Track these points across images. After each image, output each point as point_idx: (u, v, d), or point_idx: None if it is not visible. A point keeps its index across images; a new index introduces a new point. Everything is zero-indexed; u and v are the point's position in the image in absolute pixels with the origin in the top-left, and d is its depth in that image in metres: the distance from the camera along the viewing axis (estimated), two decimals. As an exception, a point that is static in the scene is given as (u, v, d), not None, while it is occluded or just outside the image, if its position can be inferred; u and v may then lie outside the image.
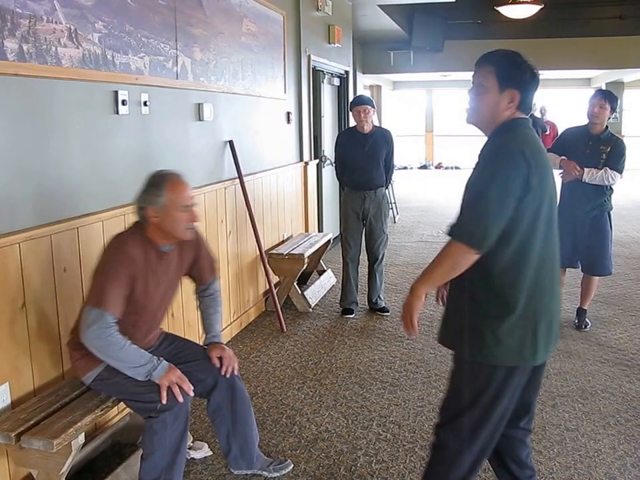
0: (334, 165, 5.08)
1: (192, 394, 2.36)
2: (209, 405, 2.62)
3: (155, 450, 2.33)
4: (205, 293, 2.73)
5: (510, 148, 1.84)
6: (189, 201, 2.39)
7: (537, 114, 10.96)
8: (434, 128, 18.54)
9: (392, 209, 8.85)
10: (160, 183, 2.35)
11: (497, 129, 1.94)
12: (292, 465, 2.77)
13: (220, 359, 2.57)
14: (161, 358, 2.35)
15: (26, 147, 2.49)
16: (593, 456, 2.82)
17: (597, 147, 4.25)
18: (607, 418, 3.14)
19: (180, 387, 2.31)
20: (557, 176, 4.57)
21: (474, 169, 1.91)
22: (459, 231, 1.91)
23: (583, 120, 4.40)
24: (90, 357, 2.34)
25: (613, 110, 4.24)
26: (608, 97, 4.24)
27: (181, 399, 2.29)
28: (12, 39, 2.37)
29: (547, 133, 10.77)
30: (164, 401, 2.27)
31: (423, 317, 4.80)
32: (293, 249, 5.02)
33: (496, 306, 1.91)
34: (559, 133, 4.76)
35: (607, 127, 4.30)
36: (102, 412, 2.39)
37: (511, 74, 1.92)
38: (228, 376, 2.55)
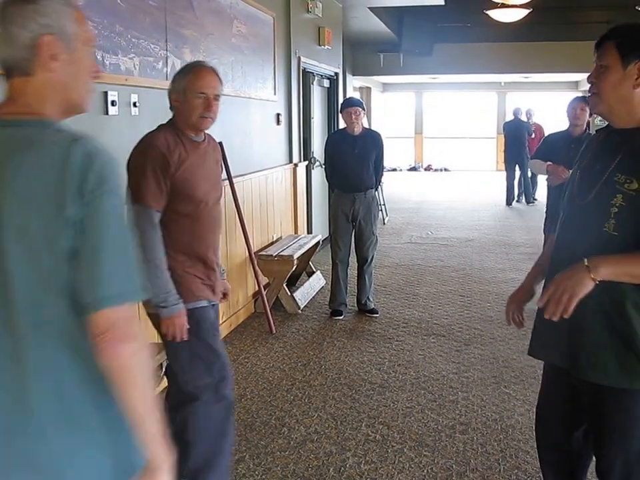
0: (324, 166, 5.09)
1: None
2: None
3: (201, 435, 2.34)
4: None
5: None
6: (209, 90, 2.29)
7: (524, 117, 11.05)
8: (423, 130, 18.62)
9: (381, 210, 8.87)
10: (185, 69, 2.34)
11: None
12: None
13: (224, 294, 2.60)
14: (180, 300, 2.25)
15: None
16: (579, 456, 2.86)
17: (579, 149, 4.33)
18: (593, 418, 3.18)
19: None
20: (544, 181, 4.68)
21: None
22: None
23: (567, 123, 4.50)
24: (197, 287, 2.33)
25: (591, 113, 4.38)
26: (587, 100, 4.40)
27: (178, 338, 2.25)
28: (1, 38, 2.36)
29: (532, 136, 10.89)
30: (168, 333, 2.24)
31: (412, 319, 4.82)
32: (282, 251, 5.03)
33: None
34: (545, 136, 4.88)
35: (586, 128, 4.42)
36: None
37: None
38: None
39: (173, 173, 2.23)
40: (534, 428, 2.18)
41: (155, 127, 2.88)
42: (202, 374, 2.35)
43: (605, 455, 1.88)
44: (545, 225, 4.52)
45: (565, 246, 1.82)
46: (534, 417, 2.20)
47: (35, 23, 1.16)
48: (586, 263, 1.60)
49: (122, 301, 1.13)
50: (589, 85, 1.76)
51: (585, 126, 4.42)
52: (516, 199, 11.22)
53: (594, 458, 1.99)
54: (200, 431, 2.36)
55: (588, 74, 1.77)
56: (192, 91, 2.26)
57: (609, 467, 1.87)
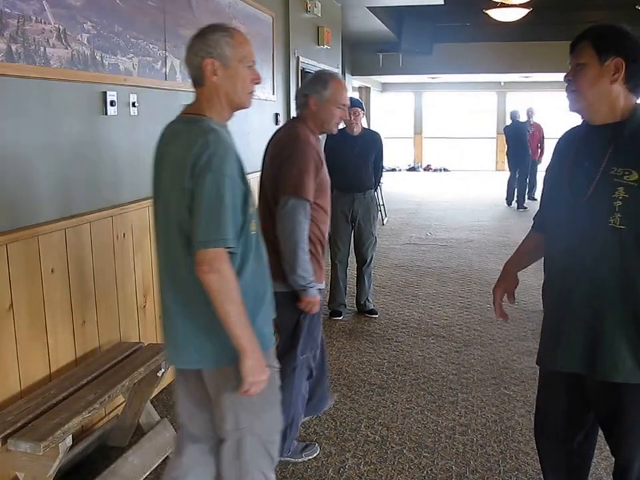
0: (323, 166, 5.07)
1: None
2: None
3: (293, 397, 2.64)
4: None
5: None
6: (347, 101, 2.67)
7: (523, 117, 11.05)
8: (423, 130, 18.60)
9: (380, 211, 8.86)
10: (327, 79, 2.62)
11: None
12: None
13: None
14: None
15: (13, 147, 2.47)
16: (579, 457, 2.85)
17: None
18: (593, 419, 3.17)
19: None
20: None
21: None
22: None
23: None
24: (322, 270, 2.64)
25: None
26: None
27: (313, 312, 2.58)
28: (0, 38, 2.35)
29: (530, 132, 10.93)
30: (307, 309, 2.55)
31: (411, 319, 4.82)
32: (281, 251, 5.01)
33: None
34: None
35: None
36: (89, 414, 2.37)
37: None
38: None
39: (320, 169, 2.53)
40: (534, 433, 2.17)
41: (152, 127, 2.87)
42: (312, 347, 2.70)
43: (623, 454, 1.88)
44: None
45: (568, 245, 1.80)
46: (533, 418, 2.19)
47: (202, 50, 1.76)
48: None
49: (208, 246, 1.65)
50: (566, 84, 1.80)
51: None
52: (515, 199, 11.22)
53: (593, 459, 1.98)
54: (292, 395, 2.66)
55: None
56: (335, 101, 2.60)
57: (626, 466, 1.87)
